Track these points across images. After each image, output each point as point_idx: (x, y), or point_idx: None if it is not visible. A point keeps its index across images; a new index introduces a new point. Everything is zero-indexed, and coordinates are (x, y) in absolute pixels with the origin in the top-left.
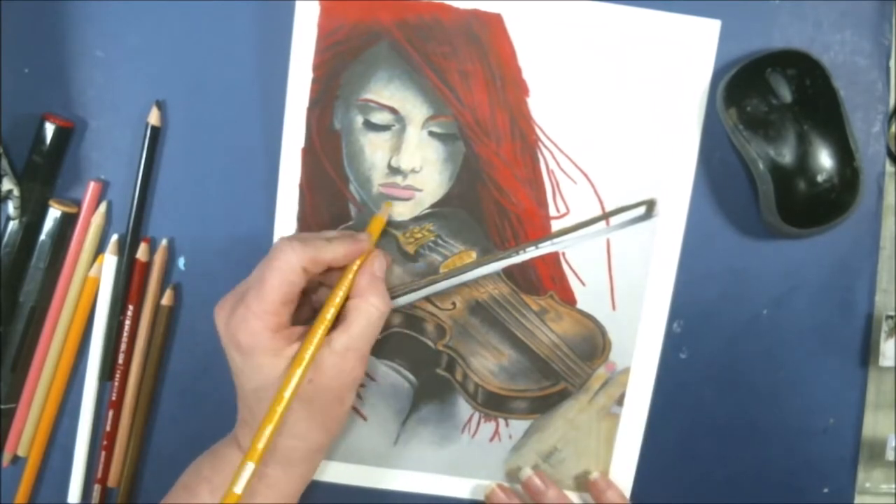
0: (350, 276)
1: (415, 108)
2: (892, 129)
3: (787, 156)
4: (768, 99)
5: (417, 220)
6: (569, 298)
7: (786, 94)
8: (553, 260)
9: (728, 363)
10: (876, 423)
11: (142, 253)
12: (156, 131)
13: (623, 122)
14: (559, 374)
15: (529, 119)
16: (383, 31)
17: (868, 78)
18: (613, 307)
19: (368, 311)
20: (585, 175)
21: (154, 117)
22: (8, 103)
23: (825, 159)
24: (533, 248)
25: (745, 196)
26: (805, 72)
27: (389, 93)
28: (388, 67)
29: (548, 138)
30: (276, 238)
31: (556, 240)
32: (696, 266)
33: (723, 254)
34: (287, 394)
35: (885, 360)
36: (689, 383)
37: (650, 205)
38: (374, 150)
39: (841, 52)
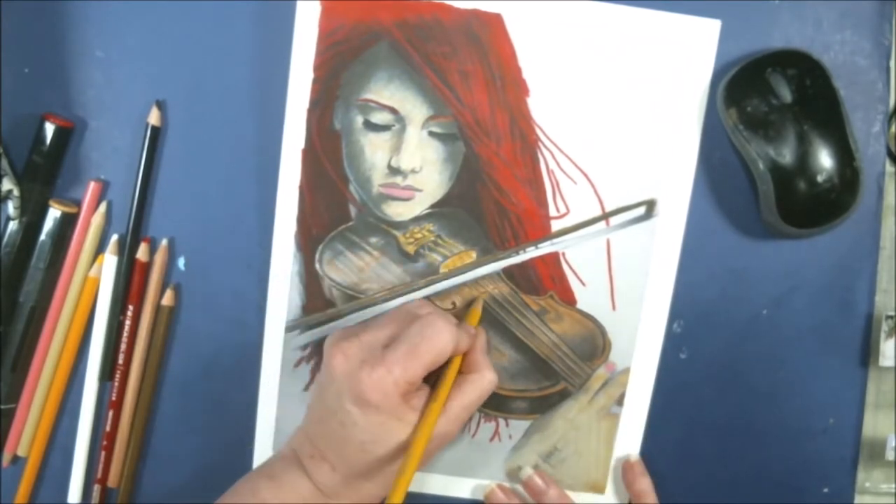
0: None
1: (415, 108)
2: (892, 129)
3: (787, 156)
4: (768, 99)
5: (417, 220)
6: (569, 298)
7: (786, 94)
8: (553, 260)
9: (728, 363)
10: (876, 423)
11: (142, 253)
12: (156, 131)
13: (623, 122)
14: (559, 375)
15: (529, 119)
16: (383, 31)
17: (868, 78)
18: (613, 307)
19: (483, 383)
20: (585, 175)
21: (154, 117)
22: (8, 103)
23: (825, 159)
24: (533, 248)
25: (745, 196)
26: (805, 72)
27: (389, 93)
28: (388, 67)
29: (548, 138)
30: (276, 238)
31: (556, 240)
32: (696, 266)
33: (723, 254)
34: (412, 468)
35: (885, 359)
36: (689, 383)
37: (650, 205)
38: (374, 151)
39: (841, 52)
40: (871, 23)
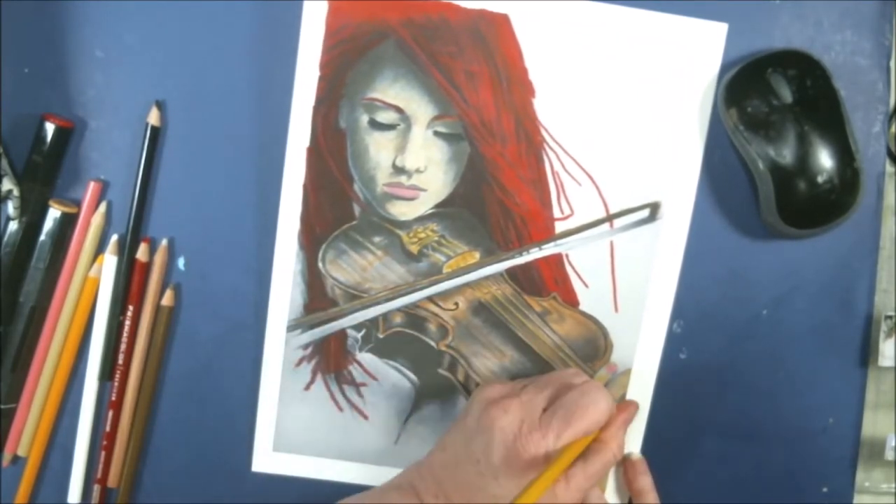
0: None
1: (420, 108)
2: (893, 129)
3: (787, 156)
4: (769, 99)
5: (421, 219)
6: (571, 300)
7: (786, 94)
8: (556, 261)
9: (728, 363)
10: (875, 423)
11: (142, 253)
12: (156, 131)
13: (628, 124)
14: None
15: (535, 120)
16: (389, 30)
17: (868, 78)
18: (616, 309)
19: (607, 456)
20: (590, 177)
21: (154, 117)
22: (8, 103)
23: (825, 160)
24: (536, 249)
25: (745, 197)
26: (805, 72)
27: (395, 92)
28: (394, 66)
29: (553, 140)
30: (279, 237)
31: (559, 241)
32: (697, 266)
33: (723, 254)
34: None
35: (885, 359)
36: (689, 383)
37: (654, 207)
38: (379, 150)
39: (841, 53)
40: (872, 23)
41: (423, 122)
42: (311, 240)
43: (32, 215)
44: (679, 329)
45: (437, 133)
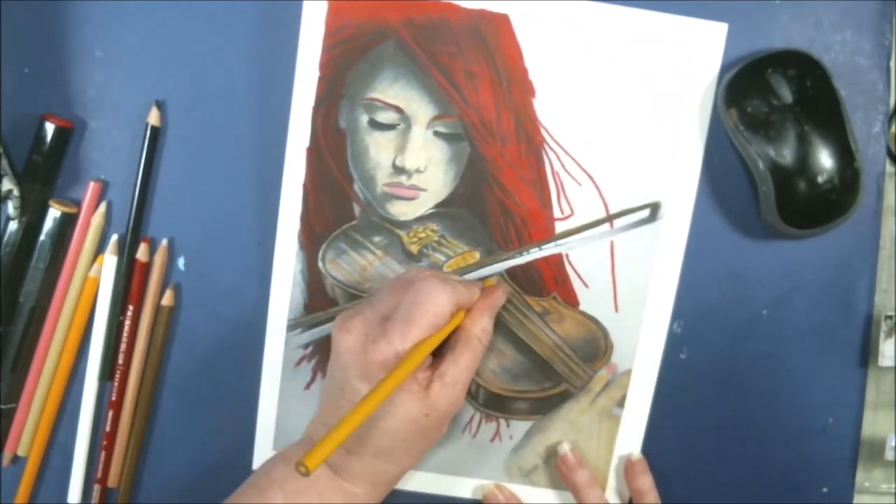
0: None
1: (420, 108)
2: (893, 129)
3: (787, 156)
4: (769, 99)
5: (421, 219)
6: (571, 300)
7: (786, 94)
8: (557, 261)
9: (728, 363)
10: (875, 423)
11: (142, 253)
12: (156, 131)
13: (628, 124)
14: (560, 376)
15: (535, 120)
16: (390, 30)
17: (868, 78)
18: (616, 309)
19: (473, 343)
20: (590, 177)
21: (154, 117)
22: (8, 103)
23: (825, 160)
24: (536, 249)
25: (745, 197)
26: (806, 72)
27: (395, 92)
28: (394, 66)
29: (553, 140)
30: (279, 236)
31: (559, 241)
32: (697, 266)
33: (723, 254)
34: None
35: (885, 359)
36: (689, 383)
37: (654, 208)
38: (379, 150)
39: (841, 53)
40: (872, 23)
41: (423, 122)
42: (311, 240)
43: (32, 215)
44: (679, 329)
45: (437, 133)
